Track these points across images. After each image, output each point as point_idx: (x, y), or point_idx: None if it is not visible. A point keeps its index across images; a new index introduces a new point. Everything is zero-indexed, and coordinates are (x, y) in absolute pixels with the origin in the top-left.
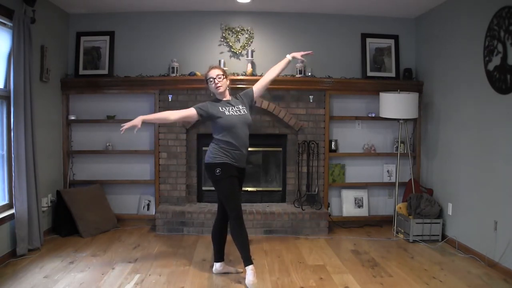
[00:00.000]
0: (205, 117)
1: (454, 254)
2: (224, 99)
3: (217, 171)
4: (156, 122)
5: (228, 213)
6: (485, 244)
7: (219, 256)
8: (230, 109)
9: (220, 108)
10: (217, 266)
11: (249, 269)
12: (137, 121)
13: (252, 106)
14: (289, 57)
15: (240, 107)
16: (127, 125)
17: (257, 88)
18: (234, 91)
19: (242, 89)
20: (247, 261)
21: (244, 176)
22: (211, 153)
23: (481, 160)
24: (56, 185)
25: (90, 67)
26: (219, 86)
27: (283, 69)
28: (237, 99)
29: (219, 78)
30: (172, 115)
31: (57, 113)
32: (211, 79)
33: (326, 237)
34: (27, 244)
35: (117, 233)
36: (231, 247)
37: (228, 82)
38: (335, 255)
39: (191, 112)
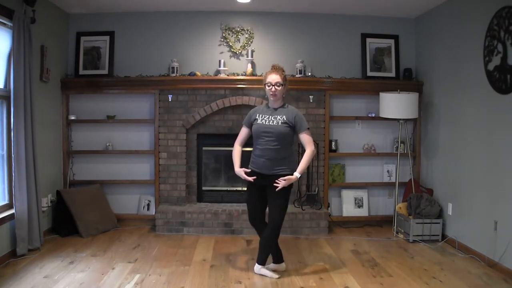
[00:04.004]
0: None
1: (454, 254)
2: (273, 106)
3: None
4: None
5: None
6: (485, 244)
7: (275, 258)
8: (266, 117)
9: (258, 114)
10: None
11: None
12: (240, 173)
13: (294, 128)
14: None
15: (279, 117)
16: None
17: (301, 137)
18: (234, 91)
19: (242, 89)
20: (258, 260)
21: (274, 182)
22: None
23: (481, 160)
24: (56, 185)
25: (90, 67)
26: (275, 95)
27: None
28: (284, 108)
29: (278, 86)
30: (237, 144)
31: (57, 113)
32: (269, 84)
33: (326, 237)
34: (27, 244)
35: (117, 233)
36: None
37: (285, 89)
38: (335, 255)
39: (244, 130)
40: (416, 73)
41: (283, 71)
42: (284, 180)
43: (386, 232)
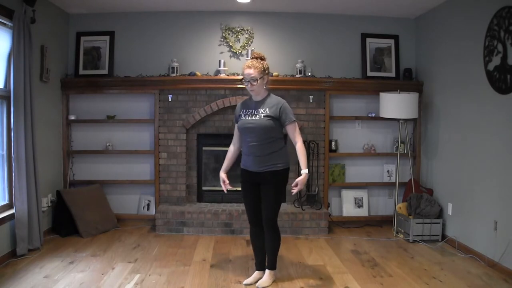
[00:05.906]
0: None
1: (454, 254)
2: (256, 99)
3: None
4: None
5: None
6: (485, 244)
7: (257, 264)
8: (249, 112)
9: (242, 110)
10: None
11: (266, 272)
12: (223, 179)
13: (279, 120)
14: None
15: (261, 111)
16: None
17: (287, 130)
18: (234, 91)
19: (242, 89)
20: (267, 264)
21: (266, 180)
22: None
23: (481, 160)
24: (56, 185)
25: (90, 67)
26: (252, 90)
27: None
28: (268, 99)
29: (253, 81)
30: (231, 145)
31: (57, 113)
32: (244, 81)
33: (326, 237)
34: (27, 244)
35: (117, 233)
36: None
37: (265, 81)
38: (335, 255)
39: (237, 128)
40: (416, 73)
41: (262, 59)
42: (297, 185)
43: (386, 232)
